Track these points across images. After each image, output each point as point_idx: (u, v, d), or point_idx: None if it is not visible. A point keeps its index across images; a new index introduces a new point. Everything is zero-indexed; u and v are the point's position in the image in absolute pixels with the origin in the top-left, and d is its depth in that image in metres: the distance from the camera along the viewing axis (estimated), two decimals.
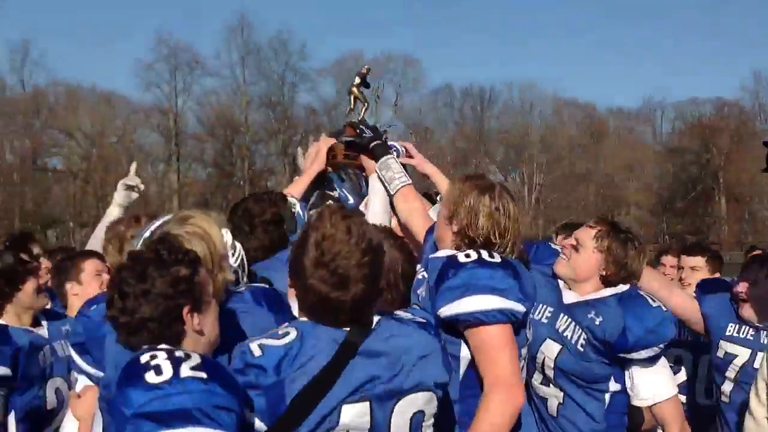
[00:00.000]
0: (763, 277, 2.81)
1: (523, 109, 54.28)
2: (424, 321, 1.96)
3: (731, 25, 79.81)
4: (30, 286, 2.69)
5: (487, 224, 2.18)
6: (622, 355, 2.44)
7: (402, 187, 2.82)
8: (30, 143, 48.94)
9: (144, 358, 1.54)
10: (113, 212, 3.68)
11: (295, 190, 3.03)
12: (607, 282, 2.53)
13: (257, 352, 1.66)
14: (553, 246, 2.82)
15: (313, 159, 3.11)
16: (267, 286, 2.16)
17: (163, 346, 1.60)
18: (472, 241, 2.20)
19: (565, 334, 2.50)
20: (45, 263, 3.24)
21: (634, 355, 2.44)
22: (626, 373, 2.52)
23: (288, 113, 53.10)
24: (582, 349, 2.46)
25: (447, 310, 2.08)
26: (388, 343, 1.77)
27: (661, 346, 2.46)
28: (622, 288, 2.53)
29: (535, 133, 51.94)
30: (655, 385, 2.51)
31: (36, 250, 3.32)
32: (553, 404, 2.52)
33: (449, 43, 78.59)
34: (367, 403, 1.70)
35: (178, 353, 1.57)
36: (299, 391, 1.64)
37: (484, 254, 2.15)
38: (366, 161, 3.00)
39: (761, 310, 2.83)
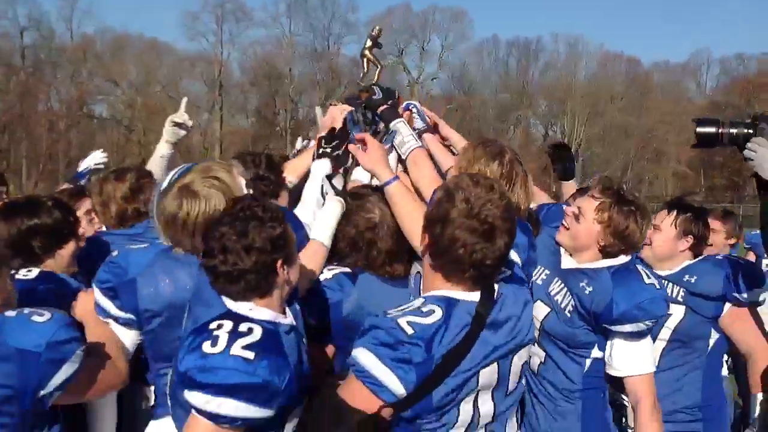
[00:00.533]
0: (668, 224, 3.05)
1: (568, 62, 54.25)
2: (522, 278, 2.12)
3: None
4: (71, 246, 2.58)
5: None
6: (605, 325, 2.45)
7: (412, 151, 2.62)
8: (76, 91, 49.59)
9: (213, 325, 1.72)
10: (162, 148, 3.78)
11: (294, 172, 2.97)
12: (605, 252, 2.53)
13: (409, 330, 1.71)
14: (566, 208, 2.80)
15: (326, 127, 2.93)
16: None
17: (239, 311, 1.78)
18: None
19: (555, 298, 2.56)
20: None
21: (618, 328, 2.44)
22: (607, 342, 2.53)
23: (333, 64, 53.54)
24: (569, 315, 2.51)
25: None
26: (507, 311, 1.90)
27: (648, 323, 2.43)
28: (621, 260, 2.53)
29: (578, 86, 51.96)
30: (631, 358, 2.48)
31: (84, 207, 3.25)
32: (534, 362, 2.58)
33: None
34: (495, 364, 1.86)
35: (242, 327, 1.71)
36: (438, 363, 1.73)
37: None
38: (356, 152, 2.66)
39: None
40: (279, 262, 1.81)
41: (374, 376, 1.70)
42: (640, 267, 2.54)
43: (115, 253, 2.23)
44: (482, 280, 1.86)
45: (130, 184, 3.06)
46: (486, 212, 1.79)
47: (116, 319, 2.18)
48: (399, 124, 2.73)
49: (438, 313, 1.77)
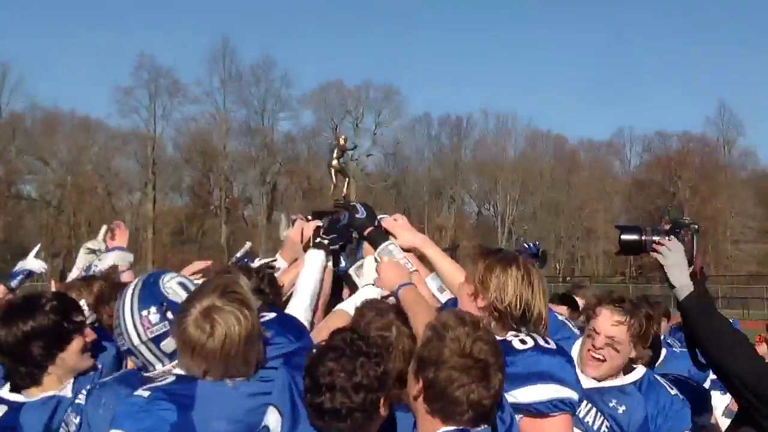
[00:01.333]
0: None
1: (499, 139, 55.49)
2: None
3: (700, 58, 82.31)
4: (76, 345, 2.36)
5: (515, 297, 2.10)
6: None
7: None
8: (4, 170, 48.44)
9: None
10: (73, 274, 3.74)
11: (287, 280, 2.88)
12: (628, 364, 2.53)
13: None
14: (559, 317, 2.73)
15: (295, 241, 2.89)
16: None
17: None
18: (502, 314, 2.12)
19: (586, 420, 2.46)
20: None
21: None
22: None
23: (267, 141, 53.49)
24: None
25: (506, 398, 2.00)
26: None
27: None
28: (641, 372, 2.55)
29: (508, 163, 53.02)
30: None
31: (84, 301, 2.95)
32: None
33: (429, 71, 79.72)
34: None
35: None
36: None
37: (540, 340, 2.10)
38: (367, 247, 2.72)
39: None
40: (382, 400, 1.79)
41: None
42: (657, 376, 2.56)
43: (146, 394, 1.93)
44: (481, 421, 1.82)
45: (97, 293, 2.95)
46: (478, 349, 1.78)
47: None
48: (390, 246, 2.74)
49: None
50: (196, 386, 1.92)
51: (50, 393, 2.34)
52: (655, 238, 2.53)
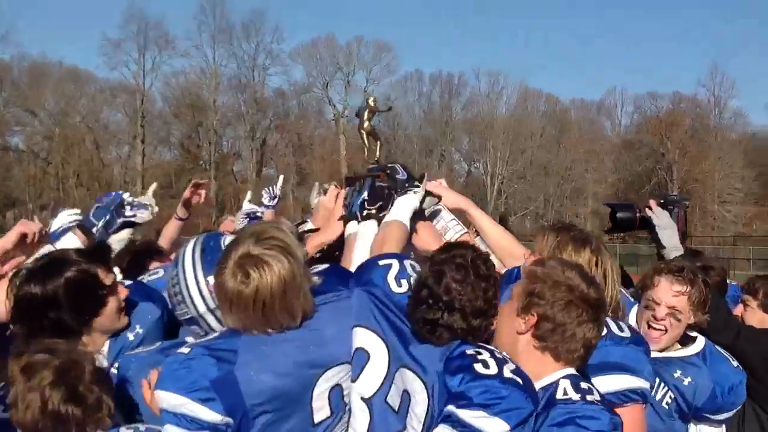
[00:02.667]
0: None
1: (490, 98, 54.94)
2: None
3: (694, 20, 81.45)
4: (112, 305, 2.20)
5: None
6: (707, 415, 2.42)
7: (460, 237, 2.62)
8: None
9: (470, 351, 1.78)
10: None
11: (312, 247, 2.64)
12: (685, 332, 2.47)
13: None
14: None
15: (329, 209, 2.75)
16: None
17: (485, 346, 1.81)
18: None
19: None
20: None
21: (717, 417, 2.43)
22: (693, 428, 2.50)
23: (257, 96, 52.98)
24: (667, 408, 2.41)
25: None
26: None
27: (738, 408, 2.47)
28: (701, 344, 2.50)
29: (499, 122, 52.65)
30: None
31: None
32: None
33: (424, 29, 78.81)
34: None
35: (499, 354, 1.79)
36: None
37: (613, 327, 2.06)
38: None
39: None
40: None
41: None
42: (717, 347, 2.52)
43: (187, 350, 1.82)
44: (583, 361, 1.85)
45: None
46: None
47: (203, 427, 1.76)
48: (438, 208, 2.68)
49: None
50: (239, 340, 1.81)
51: None
52: (648, 214, 2.76)
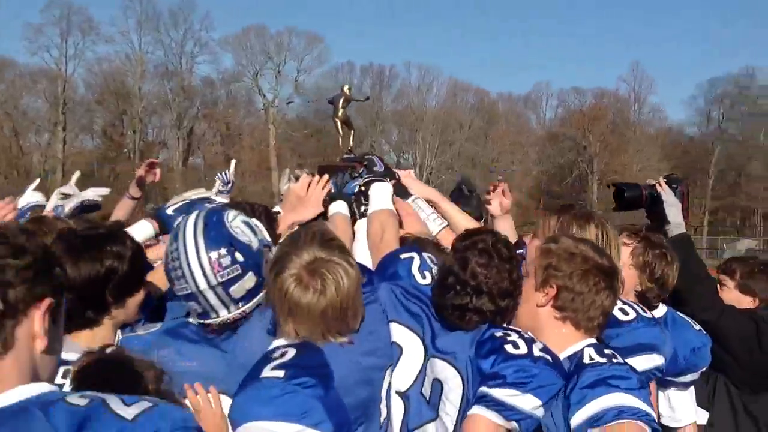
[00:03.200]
0: None
1: (420, 90, 55.27)
2: None
3: (617, 19, 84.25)
4: (138, 297, 2.07)
5: None
6: (669, 378, 2.43)
7: (442, 230, 2.62)
8: None
9: (498, 333, 1.84)
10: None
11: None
12: (642, 299, 2.46)
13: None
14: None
15: (300, 198, 2.70)
16: None
17: (513, 328, 1.89)
18: None
19: None
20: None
21: (681, 379, 2.46)
22: (662, 394, 2.53)
23: (185, 84, 51.98)
24: None
25: None
26: None
27: (703, 369, 2.51)
28: (662, 310, 2.54)
29: (429, 114, 53.12)
30: (688, 407, 2.59)
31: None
32: None
33: (354, 22, 78.92)
34: None
35: (526, 334, 1.85)
36: None
37: (638, 308, 2.14)
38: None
39: None
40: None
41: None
42: (679, 313, 2.56)
43: (280, 373, 1.68)
44: (601, 330, 1.90)
45: None
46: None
47: None
48: (417, 200, 2.70)
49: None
50: (323, 353, 1.74)
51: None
52: (654, 193, 2.91)
